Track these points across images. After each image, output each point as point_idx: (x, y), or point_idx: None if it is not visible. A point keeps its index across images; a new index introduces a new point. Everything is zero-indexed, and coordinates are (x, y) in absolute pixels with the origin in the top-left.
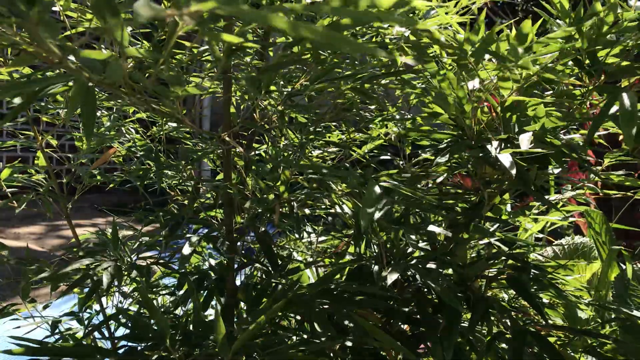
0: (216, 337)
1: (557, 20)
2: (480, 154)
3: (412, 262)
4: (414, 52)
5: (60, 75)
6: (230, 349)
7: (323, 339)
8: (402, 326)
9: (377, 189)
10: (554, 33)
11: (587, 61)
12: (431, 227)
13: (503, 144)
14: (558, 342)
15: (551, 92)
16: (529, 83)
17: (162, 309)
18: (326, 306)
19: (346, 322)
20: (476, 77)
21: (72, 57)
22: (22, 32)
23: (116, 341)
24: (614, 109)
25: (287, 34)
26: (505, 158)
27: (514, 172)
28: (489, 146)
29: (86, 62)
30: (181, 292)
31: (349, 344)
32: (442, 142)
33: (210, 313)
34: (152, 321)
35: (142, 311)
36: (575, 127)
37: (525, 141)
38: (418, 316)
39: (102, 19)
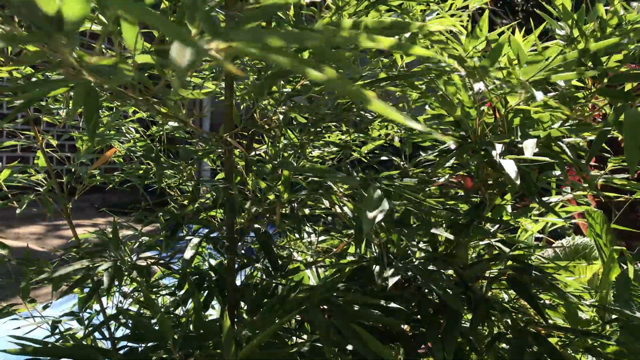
0: (222, 340)
1: (559, 23)
2: (485, 159)
3: (413, 263)
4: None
5: (63, 79)
6: (236, 353)
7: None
8: (403, 326)
9: (378, 193)
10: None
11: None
12: (434, 230)
13: (506, 148)
14: (559, 343)
15: (554, 93)
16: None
17: (162, 309)
18: (328, 311)
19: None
20: (481, 80)
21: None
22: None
23: (116, 341)
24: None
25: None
26: (509, 165)
27: (517, 180)
28: (492, 150)
29: (95, 68)
30: (181, 293)
31: (349, 347)
32: (445, 144)
33: (210, 313)
34: (152, 321)
35: (142, 311)
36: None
37: (529, 148)
38: (419, 316)
39: (110, 21)
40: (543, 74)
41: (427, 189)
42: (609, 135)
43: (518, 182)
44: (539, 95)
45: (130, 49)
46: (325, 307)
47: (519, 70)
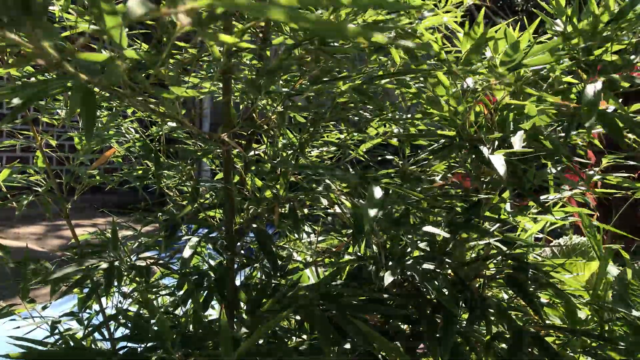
0: (220, 340)
1: (555, 20)
2: (474, 155)
3: (410, 262)
4: (405, 55)
5: (61, 77)
6: (235, 353)
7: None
8: (401, 326)
9: (378, 190)
10: (551, 41)
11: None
12: (429, 228)
13: (497, 144)
14: (557, 342)
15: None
16: (522, 82)
17: (161, 309)
18: (326, 308)
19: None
20: (469, 77)
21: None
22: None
23: (116, 342)
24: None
25: (286, 24)
26: (497, 159)
27: (503, 173)
28: (482, 147)
29: (83, 65)
30: (181, 293)
31: (347, 346)
32: (438, 143)
33: (210, 313)
34: (152, 321)
35: (142, 311)
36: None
37: (517, 141)
38: (417, 316)
39: (100, 20)
40: (518, 57)
41: (426, 186)
42: (605, 132)
43: (503, 174)
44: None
45: (117, 44)
46: (323, 303)
47: (497, 60)
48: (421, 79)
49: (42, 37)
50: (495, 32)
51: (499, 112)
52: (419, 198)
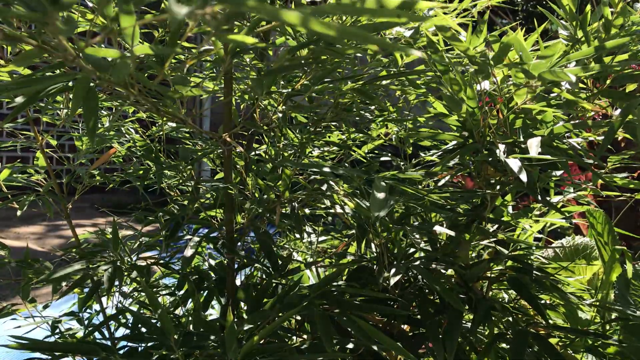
0: (225, 336)
1: (562, 22)
2: (490, 158)
3: (415, 262)
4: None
5: (62, 74)
6: (237, 350)
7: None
8: (403, 326)
9: (384, 184)
10: (577, 53)
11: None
12: (437, 227)
13: (509, 148)
14: (559, 343)
15: (555, 94)
16: (541, 89)
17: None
18: (327, 307)
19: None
20: (485, 79)
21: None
22: (26, 28)
23: (116, 341)
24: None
25: (298, 29)
26: (514, 163)
27: (524, 177)
28: (496, 150)
29: (93, 60)
30: (181, 292)
31: (350, 345)
32: (447, 144)
33: (210, 313)
34: (153, 320)
35: (142, 311)
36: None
37: (534, 146)
38: (419, 317)
39: (109, 19)
40: (550, 66)
41: (429, 182)
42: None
43: (524, 178)
44: (573, 77)
45: (128, 42)
46: (325, 302)
47: (530, 65)
48: (430, 77)
49: (62, 30)
50: (499, 36)
51: (515, 116)
52: (422, 193)
